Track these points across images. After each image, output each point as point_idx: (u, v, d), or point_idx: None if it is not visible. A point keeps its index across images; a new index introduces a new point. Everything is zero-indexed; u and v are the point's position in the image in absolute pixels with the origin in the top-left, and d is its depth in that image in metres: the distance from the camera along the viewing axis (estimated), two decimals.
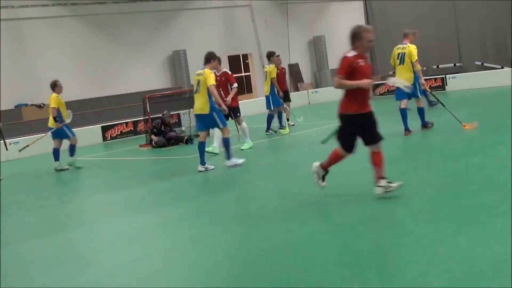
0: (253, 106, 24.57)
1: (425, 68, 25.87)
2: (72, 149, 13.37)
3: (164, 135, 16.06)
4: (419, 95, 12.16)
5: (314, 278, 4.67)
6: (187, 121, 18.05)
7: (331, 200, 7.40)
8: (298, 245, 5.61)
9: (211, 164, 10.78)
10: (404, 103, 12.02)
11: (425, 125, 12.19)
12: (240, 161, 10.74)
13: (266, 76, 15.85)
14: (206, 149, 11.35)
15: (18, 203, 10.55)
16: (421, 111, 12.15)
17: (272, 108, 15.58)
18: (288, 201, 7.56)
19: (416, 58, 11.95)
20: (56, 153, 13.27)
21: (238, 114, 13.13)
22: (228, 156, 10.69)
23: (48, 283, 5.44)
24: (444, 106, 12.29)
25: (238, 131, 13.48)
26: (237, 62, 30.59)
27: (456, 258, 4.70)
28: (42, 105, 22.71)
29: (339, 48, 35.01)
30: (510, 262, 4.35)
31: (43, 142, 18.24)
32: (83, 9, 24.83)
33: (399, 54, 12.17)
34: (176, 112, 20.21)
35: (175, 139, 16.10)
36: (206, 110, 10.46)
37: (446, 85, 22.68)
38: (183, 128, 17.14)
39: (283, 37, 30.60)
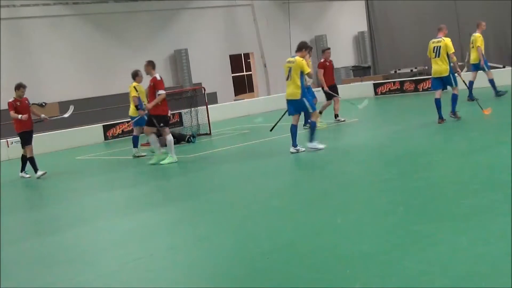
0: (254, 105, 24.60)
1: (426, 67, 25.86)
2: (135, 140, 13.91)
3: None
4: (454, 84, 12.64)
5: (315, 278, 4.67)
6: (189, 120, 18.05)
7: (332, 200, 7.40)
8: (299, 245, 5.60)
9: (320, 143, 11.14)
10: (438, 94, 12.61)
11: (454, 113, 12.63)
12: (321, 146, 11.08)
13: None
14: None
15: (18, 202, 10.56)
16: (454, 98, 12.64)
17: None
18: (289, 201, 7.55)
19: (453, 50, 12.52)
20: (135, 140, 13.83)
21: (162, 124, 12.17)
22: (311, 139, 11.04)
23: (48, 282, 5.44)
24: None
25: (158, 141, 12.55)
26: (239, 61, 30.59)
27: (457, 257, 4.69)
28: (43, 104, 22.69)
29: (340, 48, 35.23)
30: (510, 262, 4.34)
31: (43, 141, 18.25)
32: (84, 8, 24.84)
33: (434, 47, 12.66)
34: (178, 111, 20.21)
35: (177, 137, 16.09)
36: (298, 96, 10.94)
37: None
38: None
39: (284, 37, 30.56)
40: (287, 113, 11.66)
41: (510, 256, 4.46)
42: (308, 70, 10.95)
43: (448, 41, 12.55)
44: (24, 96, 12.77)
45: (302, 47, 11.22)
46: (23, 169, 12.77)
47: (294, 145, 11.09)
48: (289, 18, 30.41)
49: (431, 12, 24.43)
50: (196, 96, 18.93)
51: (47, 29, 23.66)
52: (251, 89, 30.93)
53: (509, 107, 13.26)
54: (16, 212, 9.39)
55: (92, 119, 21.38)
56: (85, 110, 21.86)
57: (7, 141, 17.14)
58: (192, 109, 18.20)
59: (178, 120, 20.70)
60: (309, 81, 12.87)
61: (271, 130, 13.37)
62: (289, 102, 11.21)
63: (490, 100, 14.92)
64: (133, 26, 25.99)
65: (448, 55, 12.38)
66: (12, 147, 15.77)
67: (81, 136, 19.05)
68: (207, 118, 17.75)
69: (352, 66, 30.36)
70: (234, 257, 5.56)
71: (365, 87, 24.12)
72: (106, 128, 20.00)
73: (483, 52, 16.07)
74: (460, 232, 5.30)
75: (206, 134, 17.35)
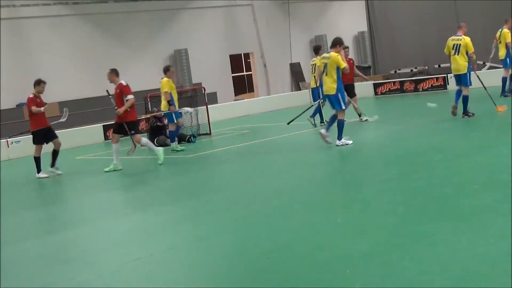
0: (254, 105, 24.60)
1: (426, 67, 25.85)
2: (172, 135, 14.20)
3: (162, 131, 15.95)
4: (468, 84, 12.87)
5: (315, 278, 4.67)
6: (189, 120, 18.05)
7: (332, 200, 7.41)
8: (299, 245, 5.60)
9: (349, 138, 11.39)
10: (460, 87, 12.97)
11: (466, 113, 12.89)
12: (350, 142, 11.32)
13: (313, 69, 15.70)
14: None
15: (18, 201, 10.56)
16: (465, 99, 12.85)
17: (321, 100, 15.55)
18: (289, 200, 7.55)
19: (473, 49, 12.84)
20: (172, 135, 14.13)
21: (133, 132, 12.10)
22: (339, 136, 11.30)
23: (49, 282, 5.44)
24: (485, 89, 13.46)
25: (132, 148, 12.32)
26: (239, 61, 30.61)
27: (457, 257, 4.69)
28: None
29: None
30: (510, 262, 4.34)
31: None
32: (84, 8, 24.85)
33: (454, 44, 13.00)
34: (178, 111, 20.18)
35: (179, 137, 16.07)
36: (333, 91, 11.28)
37: (448, 84, 22.65)
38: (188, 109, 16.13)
39: (284, 37, 30.61)
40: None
41: (510, 256, 4.45)
42: (343, 65, 11.24)
43: (468, 39, 12.85)
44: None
45: (337, 43, 11.47)
46: (53, 164, 12.50)
47: (339, 138, 11.35)
48: (289, 18, 30.45)
49: (431, 12, 24.46)
50: (196, 96, 18.95)
51: (47, 29, 23.67)
52: (251, 89, 30.94)
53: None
54: (16, 212, 9.39)
55: (92, 119, 21.38)
56: (85, 110, 21.87)
57: (7, 141, 17.14)
58: (192, 109, 18.19)
59: None
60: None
61: (288, 123, 14.33)
62: (327, 97, 11.61)
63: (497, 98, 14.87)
64: (133, 26, 26.00)
65: (467, 54, 12.72)
66: (12, 147, 15.77)
67: (81, 136, 19.05)
68: (207, 118, 17.77)
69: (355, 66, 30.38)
70: (234, 257, 5.56)
71: (365, 87, 24.14)
72: (106, 128, 20.00)
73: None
74: (460, 232, 5.30)
75: (206, 134, 17.37)
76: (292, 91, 30.25)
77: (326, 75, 11.35)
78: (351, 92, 15.24)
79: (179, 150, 13.97)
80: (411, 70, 26.17)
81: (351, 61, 15.82)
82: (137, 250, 6.12)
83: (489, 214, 5.73)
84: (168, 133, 14.29)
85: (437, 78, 23.05)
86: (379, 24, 27.04)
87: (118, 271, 5.52)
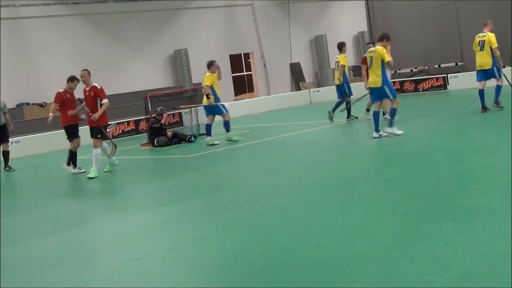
0: (254, 105, 24.60)
1: (426, 67, 25.84)
2: (227, 125, 14.36)
3: (162, 132, 15.97)
4: (498, 76, 13.29)
5: (315, 278, 4.67)
6: (189, 120, 18.06)
7: (332, 200, 7.40)
8: (299, 245, 5.60)
9: (399, 129, 11.65)
10: (482, 85, 13.35)
11: (497, 102, 13.22)
12: (400, 132, 11.60)
13: (337, 66, 15.90)
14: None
15: (18, 201, 10.56)
16: (498, 89, 13.22)
17: (344, 97, 15.77)
18: (289, 200, 7.55)
19: (496, 45, 13.25)
20: (208, 129, 14.28)
21: (99, 136, 11.89)
22: (391, 124, 11.66)
23: (49, 282, 5.44)
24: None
25: (113, 151, 12.20)
26: (239, 61, 30.60)
27: (457, 257, 4.69)
28: (43, 104, 22.71)
29: None
30: (510, 262, 4.34)
31: (44, 141, 18.25)
32: (84, 8, 24.86)
33: (479, 41, 13.45)
34: (178, 111, 20.21)
35: (179, 136, 16.10)
36: (379, 84, 11.64)
37: (448, 84, 22.67)
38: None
39: (284, 36, 30.61)
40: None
41: (510, 256, 4.45)
42: (388, 58, 11.54)
43: (492, 36, 13.22)
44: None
45: (384, 38, 11.87)
46: (75, 165, 12.39)
47: (377, 130, 11.67)
48: (289, 18, 30.45)
49: (431, 12, 24.44)
50: (196, 96, 18.94)
51: (47, 29, 23.67)
52: (251, 89, 30.94)
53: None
54: (16, 212, 9.39)
55: None
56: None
57: None
58: (192, 109, 18.21)
59: (178, 120, 20.72)
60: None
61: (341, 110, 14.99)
62: (372, 89, 11.95)
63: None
64: (133, 26, 25.99)
65: (491, 49, 13.06)
66: (12, 147, 15.74)
67: (81, 136, 18.96)
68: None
69: (352, 66, 30.37)
70: (234, 257, 5.55)
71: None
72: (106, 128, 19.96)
73: None
74: (460, 232, 5.30)
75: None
76: (292, 91, 30.26)
77: (372, 68, 11.69)
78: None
79: (235, 140, 14.34)
80: (411, 70, 26.16)
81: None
82: (137, 250, 6.12)
83: (489, 214, 5.73)
84: (206, 126, 14.47)
85: (437, 78, 23.05)
86: (379, 24, 27.01)
87: (118, 271, 5.52)
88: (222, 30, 29.04)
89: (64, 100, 12.17)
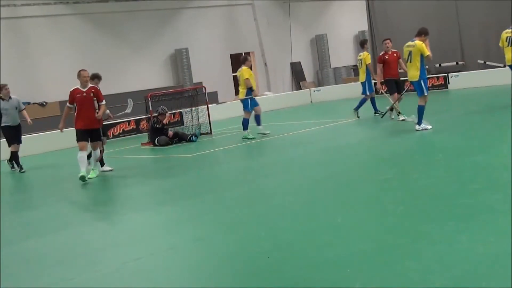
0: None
1: (427, 67, 25.83)
2: (258, 119, 14.97)
3: (163, 131, 15.97)
4: None
5: (316, 277, 4.67)
6: (190, 120, 18.07)
7: (333, 199, 7.40)
8: (299, 244, 5.60)
9: (428, 123, 11.83)
10: None
11: None
12: (429, 126, 11.80)
13: (361, 63, 15.99)
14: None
15: (18, 201, 10.56)
16: None
17: (368, 93, 15.81)
18: (289, 200, 7.55)
19: None
20: (245, 123, 14.70)
21: (103, 136, 11.81)
22: (419, 121, 11.83)
23: (49, 282, 5.44)
24: None
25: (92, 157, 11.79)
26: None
27: (457, 257, 4.69)
28: (44, 103, 22.72)
29: (340, 47, 35.18)
30: (510, 262, 4.34)
31: (45, 140, 18.27)
32: (84, 7, 24.86)
33: (507, 37, 13.86)
34: (178, 110, 20.22)
35: (180, 136, 16.11)
36: (416, 77, 11.77)
37: (449, 83, 22.66)
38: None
39: (285, 36, 30.61)
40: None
41: (510, 256, 4.45)
42: (427, 52, 11.61)
43: None
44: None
45: (422, 33, 11.88)
46: (102, 164, 12.24)
47: (419, 123, 11.78)
48: (289, 17, 30.45)
49: (431, 12, 24.41)
50: (197, 96, 18.95)
51: (47, 29, 23.67)
52: None
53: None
54: (16, 211, 9.39)
55: None
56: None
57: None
58: (193, 108, 18.22)
59: (179, 119, 20.73)
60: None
61: (382, 116, 14.75)
62: (412, 83, 12.05)
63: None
64: (133, 25, 26.00)
65: None
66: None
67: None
68: (207, 117, 17.78)
69: (353, 66, 30.37)
70: (234, 257, 5.55)
71: None
72: (106, 127, 19.97)
73: None
74: (460, 232, 5.30)
75: (207, 133, 17.38)
76: (292, 90, 30.26)
77: (411, 62, 11.81)
78: (391, 88, 14.91)
79: (250, 138, 14.42)
80: None
81: (394, 55, 15.05)
82: (137, 250, 6.12)
83: (489, 214, 5.73)
84: (243, 120, 14.75)
85: (438, 78, 23.03)
86: (379, 23, 27.01)
87: (118, 271, 5.52)
88: (222, 30, 29.04)
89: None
